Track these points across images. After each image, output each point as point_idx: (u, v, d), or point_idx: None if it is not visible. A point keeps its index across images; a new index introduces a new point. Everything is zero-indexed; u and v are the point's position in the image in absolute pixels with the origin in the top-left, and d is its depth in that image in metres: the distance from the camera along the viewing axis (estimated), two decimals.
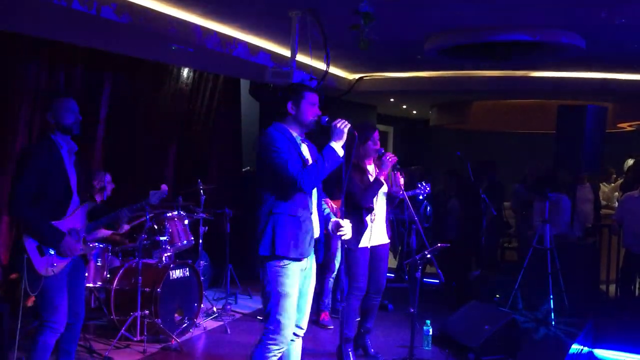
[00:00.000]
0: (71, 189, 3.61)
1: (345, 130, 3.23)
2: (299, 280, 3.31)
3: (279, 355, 3.28)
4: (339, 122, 3.24)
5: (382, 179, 4.47)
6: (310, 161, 3.31)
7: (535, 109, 10.29)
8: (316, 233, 3.39)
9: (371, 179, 4.57)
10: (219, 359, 4.80)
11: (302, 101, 3.31)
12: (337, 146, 3.21)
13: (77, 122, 3.60)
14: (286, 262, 3.23)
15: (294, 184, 3.15)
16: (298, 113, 3.32)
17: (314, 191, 3.39)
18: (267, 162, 3.22)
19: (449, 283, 4.60)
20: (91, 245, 4.92)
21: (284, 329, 3.22)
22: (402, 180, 4.54)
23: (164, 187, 4.06)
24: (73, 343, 3.79)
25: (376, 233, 4.58)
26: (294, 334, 3.39)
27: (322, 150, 3.22)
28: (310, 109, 3.31)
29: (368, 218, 4.51)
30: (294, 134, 3.35)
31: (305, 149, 3.38)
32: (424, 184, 5.13)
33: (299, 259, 3.27)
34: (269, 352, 3.22)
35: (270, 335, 3.22)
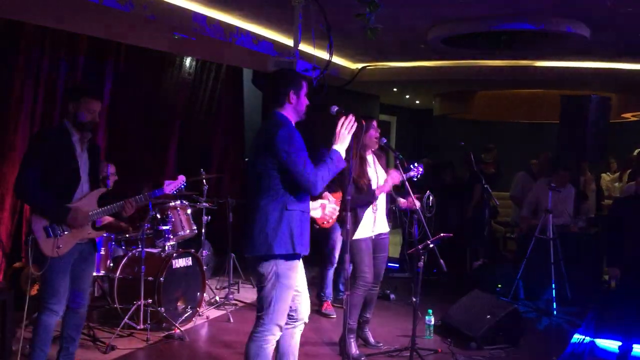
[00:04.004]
0: (79, 175, 3.64)
1: (349, 136, 3.26)
2: None
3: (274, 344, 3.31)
4: (344, 126, 3.24)
5: (382, 192, 4.55)
6: None
7: (539, 99, 10.25)
8: None
9: (370, 170, 4.56)
10: (221, 347, 4.82)
11: (301, 91, 3.32)
12: (342, 149, 3.26)
13: (93, 122, 3.65)
14: (296, 257, 3.26)
15: (307, 188, 3.16)
16: (297, 103, 3.32)
17: None
18: (283, 158, 3.10)
19: (449, 273, 4.56)
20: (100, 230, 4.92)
21: (281, 320, 3.26)
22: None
23: (182, 177, 4.10)
24: (77, 330, 3.83)
25: (378, 223, 4.60)
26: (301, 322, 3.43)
27: (329, 154, 3.22)
28: (305, 99, 3.34)
29: (369, 210, 4.52)
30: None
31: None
32: (416, 165, 4.98)
33: (305, 255, 3.32)
34: (267, 342, 3.24)
35: (268, 326, 3.23)
